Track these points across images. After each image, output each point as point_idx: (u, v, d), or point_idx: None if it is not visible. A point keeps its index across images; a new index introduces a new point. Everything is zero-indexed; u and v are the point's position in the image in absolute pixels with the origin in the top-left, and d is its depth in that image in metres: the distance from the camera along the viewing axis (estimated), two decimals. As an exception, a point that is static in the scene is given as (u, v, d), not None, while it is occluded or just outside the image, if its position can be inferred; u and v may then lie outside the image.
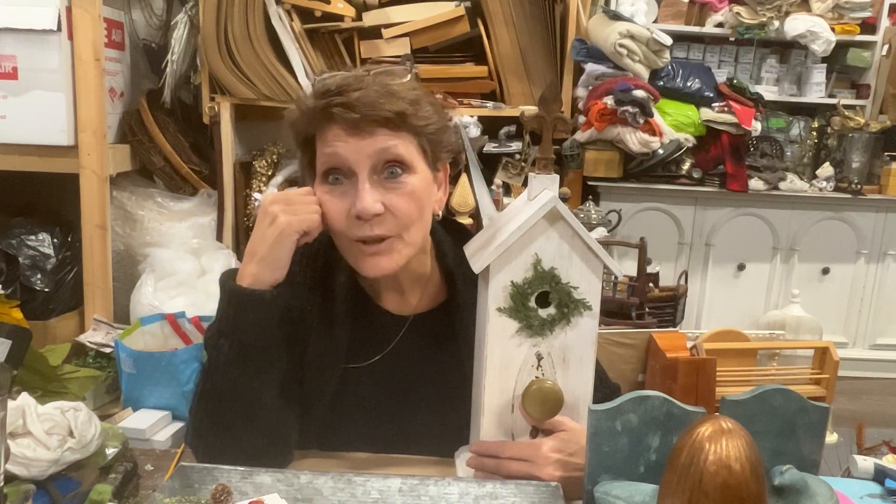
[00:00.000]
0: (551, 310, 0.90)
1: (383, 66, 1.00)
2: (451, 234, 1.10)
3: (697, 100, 3.14)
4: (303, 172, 1.04)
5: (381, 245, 0.95)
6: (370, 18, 2.89)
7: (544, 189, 0.89)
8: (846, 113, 3.33)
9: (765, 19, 3.22)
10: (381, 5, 2.92)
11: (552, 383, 0.90)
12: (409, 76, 0.98)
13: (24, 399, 0.88)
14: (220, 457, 0.89)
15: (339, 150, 0.93)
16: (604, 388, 1.05)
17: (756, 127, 3.13)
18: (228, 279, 0.94)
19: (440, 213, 1.04)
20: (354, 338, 1.04)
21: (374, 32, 2.91)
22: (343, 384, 1.04)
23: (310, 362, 1.02)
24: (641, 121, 2.94)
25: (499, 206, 2.77)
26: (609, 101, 2.92)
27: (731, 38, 3.35)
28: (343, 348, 1.03)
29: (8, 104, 2.53)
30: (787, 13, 3.24)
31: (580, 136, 3.04)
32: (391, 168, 0.94)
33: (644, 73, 3.02)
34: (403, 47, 2.88)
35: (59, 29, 2.49)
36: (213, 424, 0.94)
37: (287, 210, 0.93)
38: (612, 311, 2.55)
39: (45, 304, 2.64)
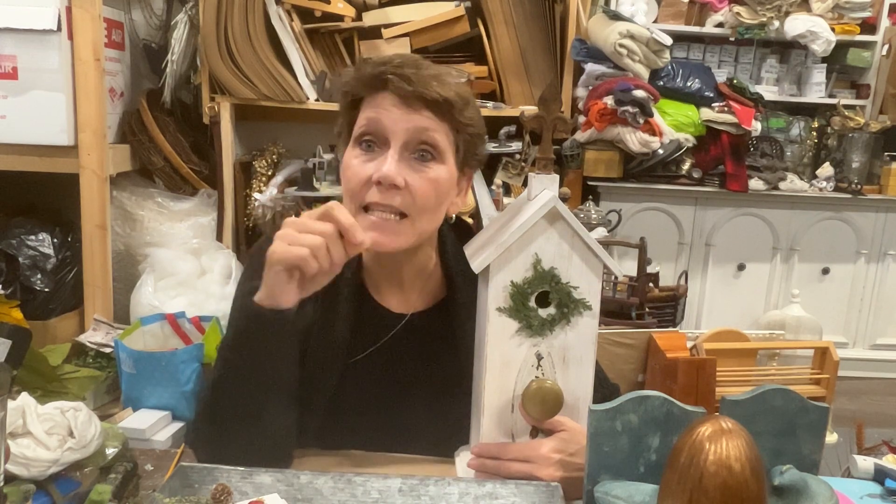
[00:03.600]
0: (551, 310, 0.90)
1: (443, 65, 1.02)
2: (455, 232, 1.11)
3: (697, 100, 3.14)
4: (339, 135, 1.04)
5: (390, 221, 0.95)
6: (370, 18, 2.89)
7: (544, 189, 0.89)
8: (846, 113, 3.33)
9: (765, 19, 3.22)
10: (381, 5, 2.92)
11: (552, 383, 0.90)
12: (464, 79, 1.00)
13: (24, 399, 0.88)
14: (223, 462, 0.88)
15: (382, 116, 0.94)
16: (603, 388, 1.05)
17: (756, 127, 3.14)
18: (246, 294, 0.90)
19: (453, 216, 1.05)
20: (353, 334, 1.04)
21: (374, 32, 2.91)
22: (342, 380, 1.04)
23: (310, 357, 1.02)
24: (641, 121, 2.94)
25: (499, 206, 2.77)
26: (609, 101, 2.92)
27: (731, 38, 3.35)
28: (342, 344, 1.03)
29: (8, 104, 2.53)
30: (787, 13, 3.24)
31: (580, 136, 3.04)
32: (423, 150, 0.95)
33: (644, 73, 3.02)
34: (403, 47, 2.88)
35: (59, 29, 2.49)
36: (220, 434, 0.93)
37: (283, 236, 0.85)
38: (612, 311, 2.55)
39: (45, 304, 2.63)
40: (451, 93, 0.95)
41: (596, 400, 0.88)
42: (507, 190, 3.03)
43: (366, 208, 0.96)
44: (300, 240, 0.84)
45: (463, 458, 0.97)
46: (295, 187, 2.97)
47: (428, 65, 0.97)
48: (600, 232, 2.86)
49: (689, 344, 2.30)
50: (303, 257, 0.83)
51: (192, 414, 1.01)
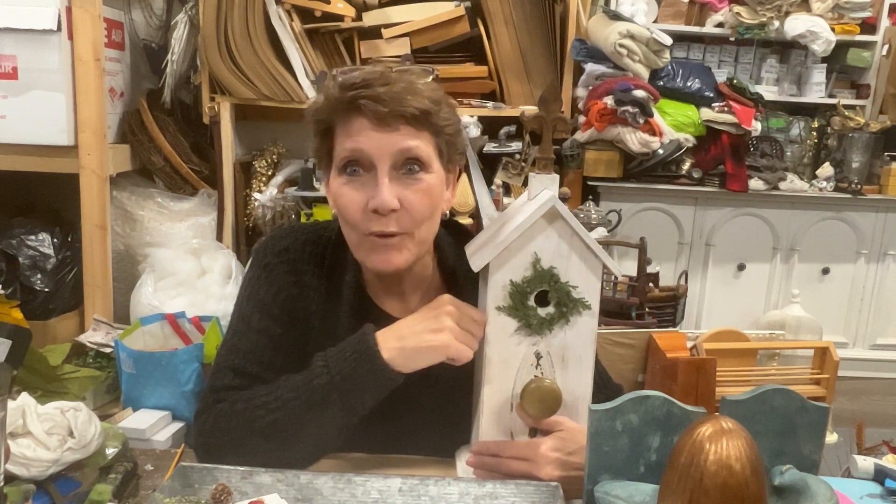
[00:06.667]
0: (550, 309, 0.90)
1: (404, 66, 1.00)
2: (452, 234, 1.11)
3: (697, 100, 3.14)
4: (318, 161, 1.03)
5: (394, 240, 0.96)
6: (370, 18, 2.89)
7: (544, 189, 0.89)
8: (846, 113, 3.33)
9: (765, 19, 3.22)
10: (381, 5, 2.92)
11: (551, 382, 0.90)
12: (430, 77, 0.99)
13: (24, 399, 0.88)
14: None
15: (362, 144, 0.93)
16: (607, 388, 1.05)
17: (756, 127, 3.13)
18: (372, 342, 0.92)
19: (447, 213, 1.05)
20: None
21: (374, 32, 2.91)
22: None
23: (311, 359, 1.02)
24: (641, 121, 2.94)
25: (499, 206, 2.77)
26: (609, 101, 2.92)
27: (731, 38, 3.35)
28: None
29: (8, 104, 2.53)
30: (787, 13, 3.24)
31: (580, 136, 3.04)
32: (410, 165, 0.95)
33: (644, 73, 3.02)
34: (403, 47, 2.88)
35: (59, 29, 2.49)
36: (263, 449, 0.92)
37: (455, 331, 0.91)
38: (612, 311, 2.55)
39: (45, 304, 2.64)
40: (426, 102, 0.94)
41: (599, 401, 0.88)
42: (507, 190, 3.02)
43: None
44: (468, 341, 0.91)
45: (463, 458, 0.97)
46: (295, 187, 2.97)
47: (395, 77, 0.94)
48: (600, 232, 2.86)
49: (689, 344, 2.30)
50: (469, 356, 0.92)
51: (195, 415, 1.00)
